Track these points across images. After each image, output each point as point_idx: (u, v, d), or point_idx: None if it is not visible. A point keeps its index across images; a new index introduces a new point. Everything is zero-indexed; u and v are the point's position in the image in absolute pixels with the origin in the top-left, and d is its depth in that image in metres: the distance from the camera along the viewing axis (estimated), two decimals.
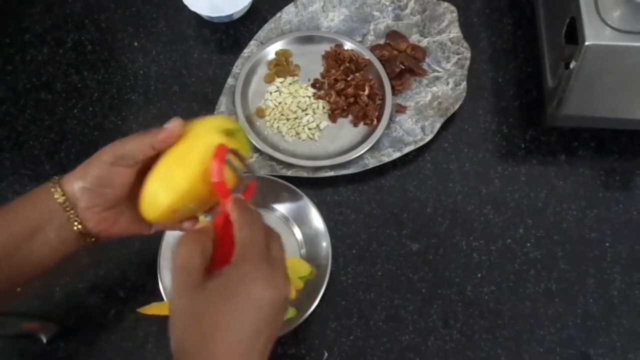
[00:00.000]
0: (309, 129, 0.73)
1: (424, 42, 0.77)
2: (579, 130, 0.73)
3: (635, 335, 0.63)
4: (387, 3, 0.79)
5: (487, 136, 0.73)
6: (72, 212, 0.50)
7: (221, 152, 0.48)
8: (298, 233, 0.67)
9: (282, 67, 0.76)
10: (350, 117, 0.73)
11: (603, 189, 0.70)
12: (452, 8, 0.79)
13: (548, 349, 0.62)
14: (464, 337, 0.63)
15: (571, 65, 0.62)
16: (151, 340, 0.63)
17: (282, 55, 0.76)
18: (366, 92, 0.73)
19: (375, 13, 0.79)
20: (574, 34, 0.62)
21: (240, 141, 0.51)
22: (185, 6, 0.77)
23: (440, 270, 0.66)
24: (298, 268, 0.64)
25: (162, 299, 0.63)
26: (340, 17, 0.79)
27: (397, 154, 0.70)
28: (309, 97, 0.74)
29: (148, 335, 0.63)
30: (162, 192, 0.48)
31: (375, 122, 0.72)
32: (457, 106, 0.72)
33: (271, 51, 0.77)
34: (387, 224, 0.68)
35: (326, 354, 0.63)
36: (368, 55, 0.76)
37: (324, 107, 0.74)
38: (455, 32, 0.77)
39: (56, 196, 0.49)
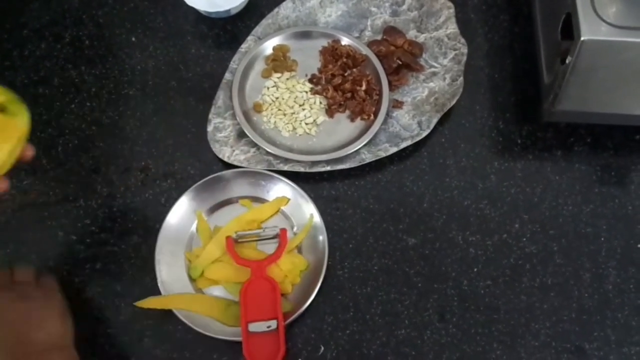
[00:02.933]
0: (306, 123, 0.73)
1: (421, 38, 0.78)
2: (575, 126, 0.73)
3: (630, 329, 0.63)
4: None
5: (483, 132, 0.74)
6: None
7: None
8: (295, 227, 0.67)
9: (279, 62, 0.76)
10: (347, 112, 0.74)
11: (599, 185, 0.70)
12: (449, 4, 0.79)
13: (543, 343, 0.63)
14: (459, 331, 0.64)
15: (567, 61, 0.62)
16: (147, 334, 0.64)
17: (280, 50, 0.77)
18: (363, 87, 0.73)
19: (373, 9, 0.79)
20: (569, 29, 0.62)
21: (17, 114, 0.52)
22: (183, 2, 0.77)
23: (437, 265, 0.66)
24: (297, 262, 0.65)
25: (159, 293, 0.64)
26: (338, 13, 0.79)
27: (394, 149, 0.70)
28: (306, 92, 0.75)
29: (144, 330, 0.64)
30: None
31: (372, 117, 0.72)
32: (453, 102, 0.72)
33: (268, 46, 0.77)
34: (384, 219, 0.69)
35: (322, 348, 0.63)
36: (365, 50, 0.76)
37: (321, 102, 0.74)
38: (452, 28, 0.77)
39: None
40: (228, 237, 0.64)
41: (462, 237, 0.68)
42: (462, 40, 0.76)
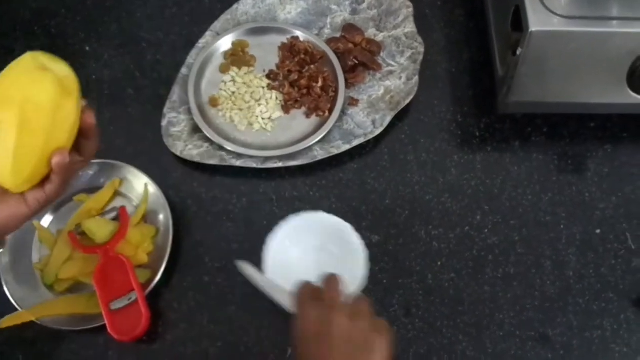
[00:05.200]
0: (262, 119, 0.73)
1: (379, 37, 0.78)
2: (531, 116, 0.74)
3: (592, 313, 0.64)
4: None
5: (442, 126, 0.74)
6: None
7: None
8: (135, 202, 0.69)
9: (237, 57, 0.76)
10: (303, 108, 0.74)
11: (557, 173, 0.71)
12: (408, 3, 0.79)
13: (508, 332, 0.63)
14: (426, 324, 0.64)
15: (517, 52, 0.63)
16: (112, 347, 0.63)
17: (239, 45, 0.77)
18: (319, 84, 0.73)
19: (333, 7, 0.80)
20: (519, 22, 0.63)
21: (65, 72, 0.49)
22: (138, 8, 0.76)
23: (401, 260, 0.67)
24: (146, 231, 0.66)
25: (14, 310, 0.63)
26: (298, 10, 0.79)
27: (346, 147, 0.71)
28: (263, 87, 0.75)
29: (109, 343, 0.63)
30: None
31: (327, 114, 0.72)
32: (408, 100, 0.73)
33: (227, 42, 0.77)
34: (347, 217, 0.68)
35: (290, 350, 0.63)
36: (323, 47, 0.76)
37: (277, 98, 0.74)
38: (410, 27, 0.78)
39: None
40: (69, 232, 0.65)
41: (425, 232, 0.68)
42: (419, 39, 0.77)
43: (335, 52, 0.76)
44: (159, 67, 0.77)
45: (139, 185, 0.69)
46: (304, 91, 0.73)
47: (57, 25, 0.80)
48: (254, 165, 0.70)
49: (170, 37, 0.79)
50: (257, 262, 0.61)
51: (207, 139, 0.71)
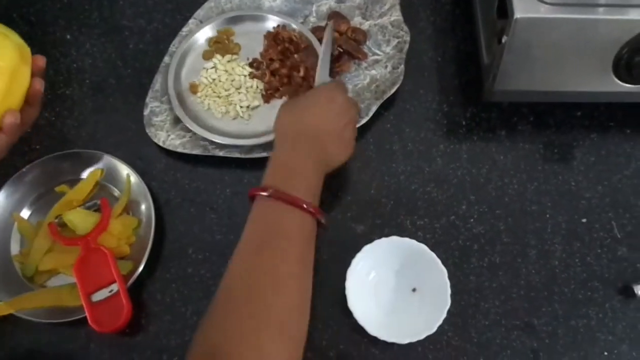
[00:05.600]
0: (240, 107, 0.72)
1: (365, 25, 0.77)
2: (517, 105, 0.74)
3: (576, 302, 0.64)
4: None
5: (428, 115, 0.74)
6: None
7: None
8: (117, 193, 0.68)
9: (222, 44, 0.75)
10: (284, 98, 0.73)
11: (542, 162, 0.71)
12: None
13: (493, 322, 0.63)
14: None
15: (503, 40, 0.62)
16: (94, 340, 0.62)
17: (224, 33, 0.76)
18: (301, 73, 0.72)
19: None
20: (505, 9, 0.62)
21: (20, 41, 0.52)
22: None
23: None
24: (128, 222, 0.65)
25: None
26: None
27: None
28: (245, 75, 0.74)
29: (90, 335, 0.62)
30: None
31: None
32: (393, 89, 0.72)
33: (210, 30, 0.76)
34: (332, 207, 0.68)
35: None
36: (309, 36, 0.75)
37: (258, 87, 0.73)
38: (396, 15, 0.77)
39: None
40: (50, 224, 0.64)
41: (410, 222, 0.68)
42: (405, 28, 0.76)
43: (320, 41, 0.75)
44: (141, 56, 0.76)
45: (121, 176, 0.68)
46: (285, 80, 0.72)
47: (36, 13, 0.78)
48: (238, 155, 0.69)
49: (153, 25, 0.78)
50: None
51: (189, 130, 0.70)
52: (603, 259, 0.66)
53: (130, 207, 0.67)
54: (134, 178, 0.67)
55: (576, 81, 0.67)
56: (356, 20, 0.78)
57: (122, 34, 0.78)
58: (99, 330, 0.60)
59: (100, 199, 0.66)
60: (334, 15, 0.77)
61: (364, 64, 0.75)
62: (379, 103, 0.71)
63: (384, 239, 0.63)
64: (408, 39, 0.75)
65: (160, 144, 0.69)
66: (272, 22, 0.77)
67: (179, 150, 0.69)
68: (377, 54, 0.75)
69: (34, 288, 0.63)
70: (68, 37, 0.77)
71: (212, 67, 0.74)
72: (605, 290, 0.65)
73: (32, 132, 0.71)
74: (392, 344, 0.59)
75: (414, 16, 0.79)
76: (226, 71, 0.73)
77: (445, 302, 0.59)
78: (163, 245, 0.66)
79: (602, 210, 0.68)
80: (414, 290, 0.63)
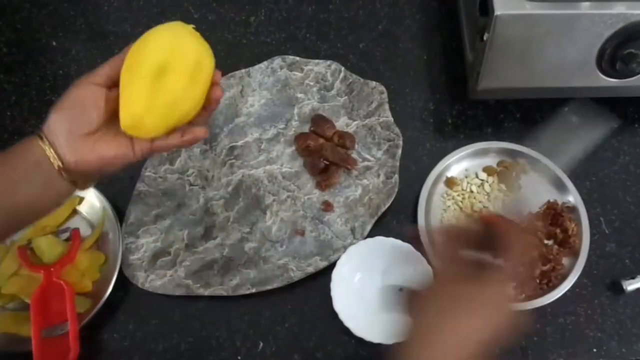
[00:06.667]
0: None
1: (352, 126, 0.71)
2: (504, 102, 0.73)
3: (565, 299, 0.63)
4: (312, 83, 0.73)
5: (414, 114, 0.73)
6: (50, 149, 0.46)
7: None
8: (92, 225, 0.66)
9: None
10: None
11: None
12: (382, 88, 0.72)
13: None
14: None
15: (485, 37, 0.62)
16: None
17: None
18: None
19: (299, 95, 0.72)
20: (486, 5, 0.62)
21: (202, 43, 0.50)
22: (104, 1, 0.75)
23: None
24: (95, 257, 0.64)
25: None
26: (261, 102, 0.72)
27: (324, 263, 0.64)
28: None
29: None
30: (136, 94, 0.46)
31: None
32: (388, 203, 0.66)
33: None
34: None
35: (262, 343, 0.62)
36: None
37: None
38: (385, 115, 0.71)
39: (40, 141, 0.47)
40: (20, 247, 0.63)
41: (396, 221, 0.67)
42: (396, 130, 0.70)
43: (306, 150, 0.69)
44: None
45: (98, 206, 0.66)
46: None
47: (22, 20, 0.79)
48: (224, 294, 0.63)
49: (139, 30, 0.76)
50: None
51: (171, 266, 0.64)
52: (591, 255, 0.65)
53: (100, 238, 0.65)
54: (109, 211, 0.66)
55: (560, 77, 0.66)
56: (342, 121, 0.71)
57: (107, 39, 0.78)
58: None
59: (73, 230, 0.64)
60: (318, 120, 0.70)
61: (355, 172, 0.68)
62: (373, 221, 0.66)
63: (369, 240, 0.63)
64: (400, 142, 0.69)
65: (139, 285, 0.64)
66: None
67: (160, 292, 0.63)
68: (368, 159, 0.69)
69: None
70: (54, 43, 0.77)
71: None
72: (594, 287, 0.64)
73: (20, 140, 0.71)
74: (379, 344, 0.59)
75: (400, 13, 0.79)
76: None
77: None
78: (126, 285, 0.64)
79: (590, 205, 0.68)
80: (400, 289, 0.63)
